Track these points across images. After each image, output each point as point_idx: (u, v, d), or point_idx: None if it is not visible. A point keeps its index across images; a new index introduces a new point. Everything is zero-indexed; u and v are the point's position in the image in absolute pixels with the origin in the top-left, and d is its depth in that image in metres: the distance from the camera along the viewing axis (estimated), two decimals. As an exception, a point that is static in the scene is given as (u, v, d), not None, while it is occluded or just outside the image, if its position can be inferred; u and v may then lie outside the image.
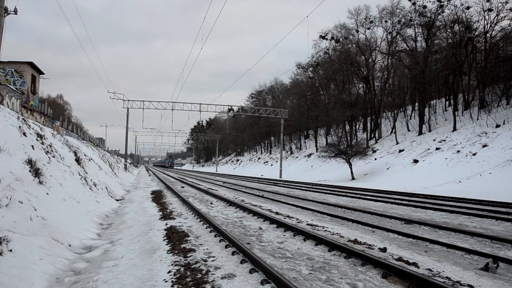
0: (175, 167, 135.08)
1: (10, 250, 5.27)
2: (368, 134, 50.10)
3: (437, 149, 32.41)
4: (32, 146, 11.08)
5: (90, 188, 14.01)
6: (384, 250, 6.47)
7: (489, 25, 38.04)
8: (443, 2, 40.14)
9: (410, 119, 48.59)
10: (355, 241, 7.16)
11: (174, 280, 4.82)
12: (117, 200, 16.22)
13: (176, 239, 7.22)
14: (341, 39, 52.63)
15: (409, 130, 44.50)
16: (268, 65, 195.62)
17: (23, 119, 13.72)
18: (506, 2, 36.14)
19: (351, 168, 35.28)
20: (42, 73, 31.19)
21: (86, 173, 16.09)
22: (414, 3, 42.90)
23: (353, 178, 34.47)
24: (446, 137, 34.18)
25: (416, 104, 47.03)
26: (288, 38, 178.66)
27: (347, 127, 53.60)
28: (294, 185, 26.86)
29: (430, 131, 39.29)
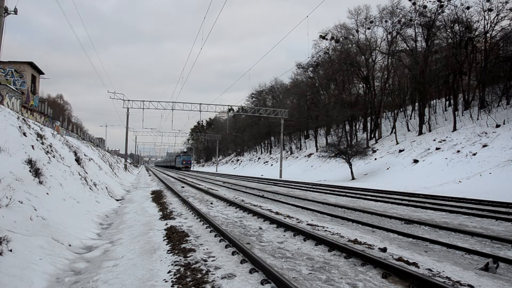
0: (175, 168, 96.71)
1: (10, 250, 5.27)
2: (368, 134, 50.09)
3: (437, 149, 32.41)
4: (32, 146, 11.08)
5: (90, 188, 14.01)
6: (384, 250, 6.47)
7: (489, 25, 38.09)
8: (443, 2, 40.14)
9: (410, 119, 48.60)
10: (355, 241, 7.16)
11: (174, 280, 4.82)
12: (117, 200, 16.22)
13: (176, 239, 7.22)
14: (341, 39, 52.64)
15: (409, 130, 44.50)
16: (277, 65, 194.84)
17: (23, 119, 13.72)
18: (506, 2, 36.15)
19: (351, 168, 35.28)
20: (42, 73, 31.21)
21: (86, 173, 16.09)
22: (414, 3, 42.90)
23: (353, 178, 34.47)
24: (446, 137, 34.19)
25: (416, 104, 47.04)
26: (298, 39, 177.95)
27: (347, 127, 53.60)
28: (294, 185, 26.85)
29: (430, 131, 39.29)
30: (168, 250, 6.40)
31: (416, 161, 32.24)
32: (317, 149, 55.27)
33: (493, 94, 37.77)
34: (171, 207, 12.61)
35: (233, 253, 5.98)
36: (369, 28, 49.27)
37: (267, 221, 9.56)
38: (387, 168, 34.07)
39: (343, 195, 18.15)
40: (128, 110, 47.80)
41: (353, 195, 18.09)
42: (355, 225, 9.50)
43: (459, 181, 23.80)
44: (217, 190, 20.66)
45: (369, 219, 10.39)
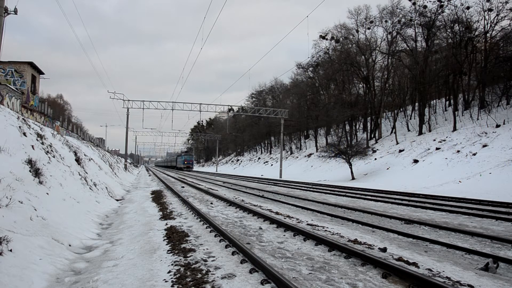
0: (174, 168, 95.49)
1: (10, 250, 5.27)
2: (368, 134, 50.10)
3: (437, 149, 32.41)
4: (32, 146, 11.08)
5: (90, 188, 14.01)
6: (384, 250, 6.47)
7: (489, 25, 38.09)
8: (443, 2, 40.15)
9: (410, 119, 48.60)
10: (355, 241, 7.16)
11: (174, 280, 4.82)
12: (117, 200, 16.22)
13: (176, 239, 7.22)
14: (341, 39, 52.64)
15: (409, 130, 44.50)
16: (277, 65, 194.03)
17: (23, 119, 13.72)
18: (506, 2, 36.15)
19: (351, 168, 35.28)
20: (42, 73, 31.22)
21: (86, 173, 16.09)
22: (414, 3, 42.90)
23: (353, 178, 34.47)
24: (446, 137, 34.18)
25: (416, 104, 47.04)
26: (298, 39, 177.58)
27: (347, 127, 53.61)
28: (294, 185, 26.85)
29: (430, 131, 39.29)
30: (168, 250, 6.40)
31: (416, 161, 32.24)
32: (317, 149, 55.27)
33: (493, 94, 37.77)
34: (171, 207, 12.62)
35: (233, 253, 5.98)
36: (369, 28, 49.31)
37: (267, 221, 9.56)
38: (387, 168, 34.07)
39: (343, 195, 18.15)
40: (128, 110, 47.85)
41: (353, 195, 18.09)
42: (355, 225, 9.50)
43: (459, 181, 23.80)
44: (217, 190, 20.66)
45: (369, 219, 10.39)
